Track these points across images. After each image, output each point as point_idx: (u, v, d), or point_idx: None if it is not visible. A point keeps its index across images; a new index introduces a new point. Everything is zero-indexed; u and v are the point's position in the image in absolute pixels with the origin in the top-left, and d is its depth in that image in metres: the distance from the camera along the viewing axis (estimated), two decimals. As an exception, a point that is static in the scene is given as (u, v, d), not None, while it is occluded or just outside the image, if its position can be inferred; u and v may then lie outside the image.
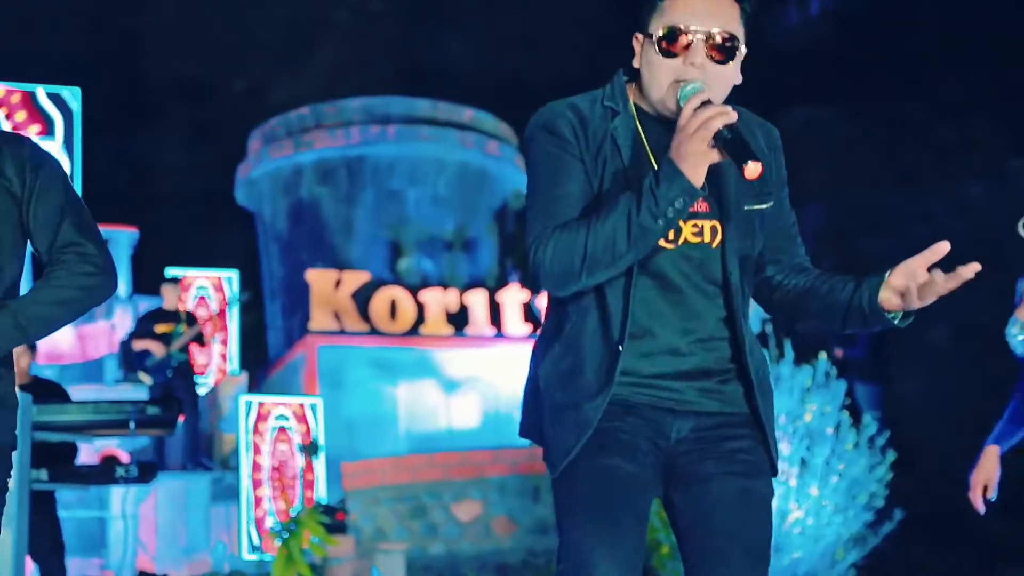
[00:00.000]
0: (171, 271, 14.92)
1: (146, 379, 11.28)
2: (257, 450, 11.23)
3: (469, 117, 16.74)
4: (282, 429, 11.48)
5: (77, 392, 11.07)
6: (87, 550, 10.87)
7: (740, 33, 2.52)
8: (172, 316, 11.35)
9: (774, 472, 2.62)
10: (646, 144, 2.55)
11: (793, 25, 22.32)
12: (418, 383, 13.88)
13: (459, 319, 14.32)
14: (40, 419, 5.93)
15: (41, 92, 15.74)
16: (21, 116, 15.64)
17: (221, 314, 14.52)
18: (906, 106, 19.98)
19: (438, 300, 14.29)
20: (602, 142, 2.54)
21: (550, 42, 22.34)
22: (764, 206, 2.60)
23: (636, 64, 2.59)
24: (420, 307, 14.19)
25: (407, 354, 13.94)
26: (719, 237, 2.55)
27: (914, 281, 2.70)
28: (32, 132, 15.55)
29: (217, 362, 14.98)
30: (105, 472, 6.66)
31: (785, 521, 8.55)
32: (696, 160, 2.37)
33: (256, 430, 11.33)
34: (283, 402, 11.71)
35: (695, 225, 2.53)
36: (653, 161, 2.51)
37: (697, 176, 2.38)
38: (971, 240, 19.93)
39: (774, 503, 8.46)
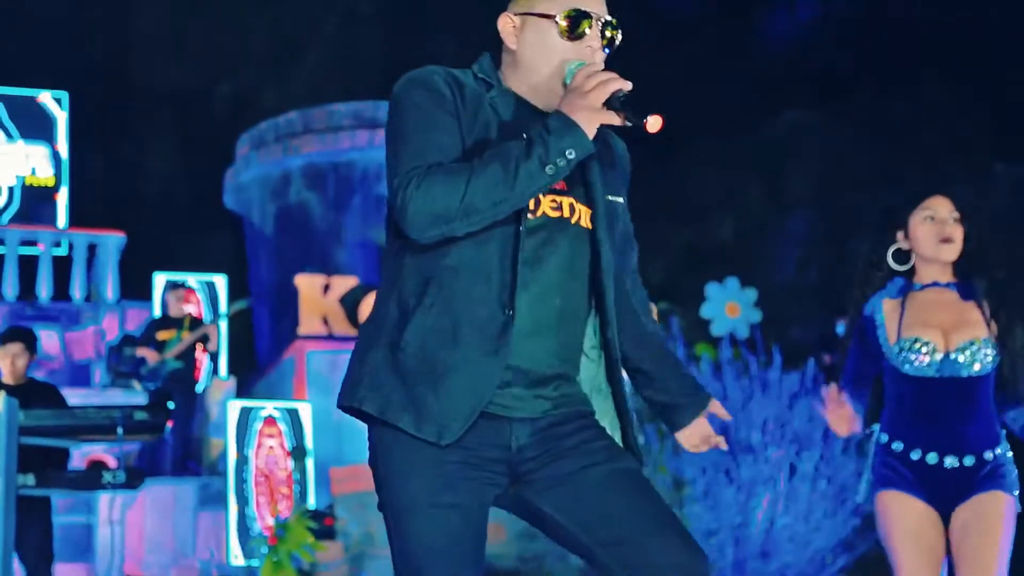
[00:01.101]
0: (159, 275, 14.89)
1: (138, 387, 11.26)
2: (244, 455, 11.22)
3: (457, 121, 16.75)
4: (270, 434, 11.47)
5: (64, 396, 11.06)
6: (74, 556, 10.84)
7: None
8: (175, 322, 11.33)
9: (639, 461, 2.55)
10: (523, 118, 2.49)
11: (781, 30, 22.37)
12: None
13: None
14: (27, 423, 5.91)
15: (33, 96, 15.73)
16: (10, 120, 15.61)
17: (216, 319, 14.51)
18: (893, 110, 20.03)
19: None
20: (478, 108, 2.50)
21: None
22: (618, 199, 2.59)
23: (512, 45, 2.55)
24: (409, 312, 14.18)
25: (395, 359, 13.93)
26: (578, 216, 2.49)
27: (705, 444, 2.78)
28: (22, 136, 15.53)
29: (208, 365, 14.98)
30: (92, 477, 6.65)
31: (774, 526, 8.57)
32: (590, 115, 2.33)
33: (243, 435, 11.32)
34: (271, 406, 11.70)
35: (554, 200, 2.48)
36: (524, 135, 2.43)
37: (589, 132, 2.33)
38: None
39: (764, 507, 8.48)
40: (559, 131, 2.31)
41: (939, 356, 3.86)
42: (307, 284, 14.24)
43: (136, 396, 11.38)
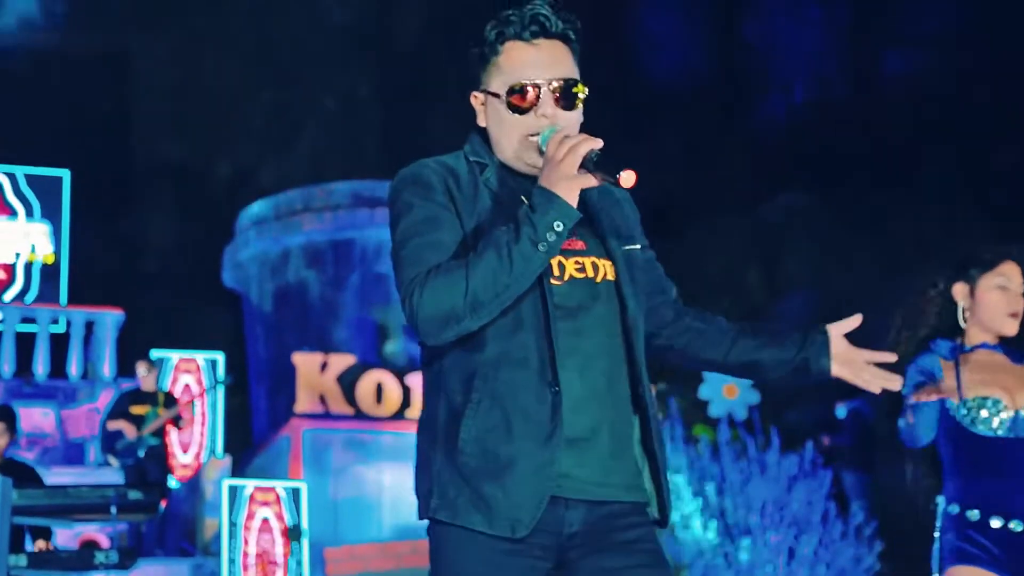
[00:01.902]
0: (156, 353, 14.87)
1: (114, 461, 11.08)
2: (239, 535, 11.13)
3: (456, 202, 16.83)
4: (265, 514, 11.38)
5: (58, 475, 10.98)
6: (64, 636, 10.69)
7: (577, 74, 2.52)
8: (149, 398, 11.19)
9: (666, 524, 2.56)
10: (519, 192, 2.48)
11: (779, 116, 22.56)
12: (403, 468, 13.79)
13: (445, 403, 14.26)
14: (20, 503, 5.86)
15: (33, 175, 15.81)
16: (11, 197, 15.68)
17: (201, 396, 14.44)
18: (889, 194, 20.14)
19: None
20: (475, 194, 2.50)
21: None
22: (634, 247, 2.58)
23: (482, 122, 2.59)
24: (406, 391, 14.15)
25: (393, 438, 13.87)
26: (603, 272, 2.49)
27: (854, 357, 2.78)
28: (22, 213, 15.59)
29: (198, 441, 14.90)
30: (85, 557, 6.57)
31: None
32: (568, 184, 2.33)
33: (238, 514, 11.23)
34: (267, 486, 11.62)
35: (577, 262, 2.48)
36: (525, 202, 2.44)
37: (571, 199, 2.33)
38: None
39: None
40: (542, 207, 2.32)
41: (1010, 415, 3.65)
42: (304, 362, 14.22)
43: (115, 473, 11.23)
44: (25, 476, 7.06)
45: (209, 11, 23.13)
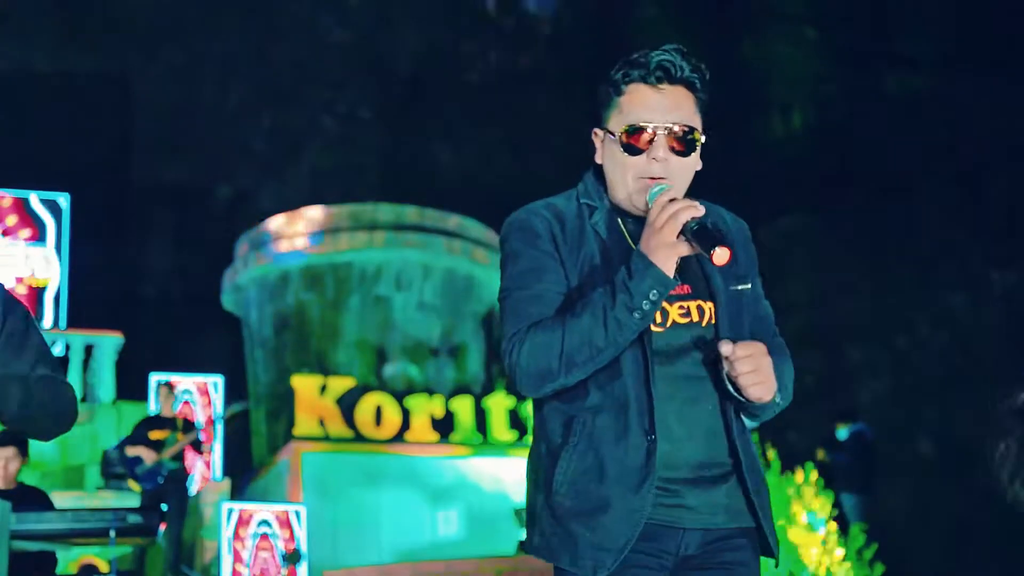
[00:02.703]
0: (155, 376, 14.87)
1: (135, 486, 11.14)
2: (239, 558, 11.11)
3: (455, 224, 16.85)
4: (264, 537, 11.37)
5: (58, 499, 10.96)
6: (63, 661, 10.67)
7: (698, 122, 2.59)
8: (168, 423, 11.23)
9: (775, 560, 2.63)
10: (627, 237, 2.56)
11: (776, 138, 22.61)
12: (403, 490, 13.78)
13: (444, 426, 14.27)
14: (19, 527, 5.86)
15: (34, 198, 15.84)
16: (12, 220, 15.71)
17: (208, 424, 14.44)
18: (888, 217, 20.17)
19: (423, 406, 14.25)
20: (582, 238, 2.55)
21: (536, 150, 22.58)
22: (745, 287, 2.62)
23: (599, 160, 2.61)
24: (405, 413, 14.14)
25: (392, 461, 13.86)
26: (707, 316, 2.54)
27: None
28: (23, 236, 15.62)
29: (201, 469, 14.88)
30: (85, 582, 6.57)
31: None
32: (666, 252, 2.39)
33: (238, 537, 11.21)
34: (266, 509, 11.60)
35: (681, 307, 2.53)
36: (629, 242, 2.53)
37: (668, 267, 2.40)
38: (952, 351, 20.07)
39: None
40: (639, 274, 2.39)
41: None
42: (304, 385, 14.22)
43: (129, 497, 11.27)
44: (37, 500, 7.06)
45: (209, 34, 23.20)
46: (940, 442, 18.11)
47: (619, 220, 2.58)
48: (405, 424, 14.08)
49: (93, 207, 18.13)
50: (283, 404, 15.27)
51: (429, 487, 13.88)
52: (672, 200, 2.43)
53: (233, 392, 15.59)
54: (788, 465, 9.36)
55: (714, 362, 2.52)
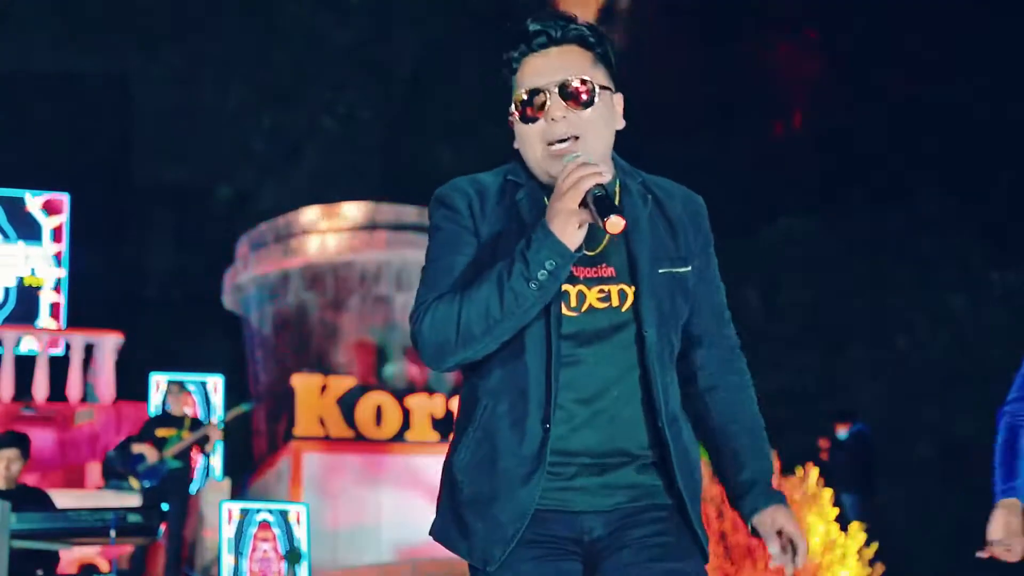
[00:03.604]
0: (156, 376, 14.87)
1: (135, 483, 11.13)
2: (239, 558, 11.10)
3: (456, 224, 16.85)
4: (265, 536, 11.36)
5: (58, 498, 10.96)
6: (64, 660, 10.67)
7: (599, 75, 2.46)
8: (175, 421, 11.22)
9: (705, 557, 2.51)
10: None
11: (777, 139, 22.62)
12: (403, 490, 13.78)
13: (445, 425, 14.27)
14: (18, 527, 5.86)
15: (34, 198, 15.84)
16: (12, 220, 15.71)
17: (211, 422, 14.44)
18: (888, 219, 20.18)
19: (424, 406, 14.25)
20: (503, 215, 2.48)
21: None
22: (680, 270, 2.51)
23: (515, 144, 2.53)
24: (406, 413, 14.15)
25: (392, 461, 13.87)
26: (628, 301, 2.45)
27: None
28: (23, 237, 15.62)
29: (203, 464, 14.90)
30: (85, 581, 6.58)
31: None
32: (565, 219, 2.29)
33: (238, 537, 11.21)
34: (267, 509, 11.60)
35: (601, 291, 2.44)
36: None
37: (568, 236, 2.30)
38: (952, 352, 20.06)
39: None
40: (537, 243, 2.30)
41: None
42: (304, 385, 14.22)
43: (129, 496, 11.25)
44: (38, 500, 7.08)
45: (209, 34, 23.20)
46: (940, 442, 18.11)
47: (544, 198, 2.46)
48: (405, 424, 14.09)
49: (93, 207, 18.13)
50: (283, 404, 15.27)
51: (429, 487, 13.88)
52: (581, 166, 2.33)
53: (233, 392, 15.58)
54: (789, 467, 9.36)
55: (636, 350, 2.43)
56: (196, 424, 11.33)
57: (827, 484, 9.40)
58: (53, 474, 13.63)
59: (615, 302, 2.44)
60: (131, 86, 23.06)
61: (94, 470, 13.77)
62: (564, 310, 2.41)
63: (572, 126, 2.42)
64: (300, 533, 11.55)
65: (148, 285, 22.42)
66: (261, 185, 22.94)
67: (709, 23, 23.12)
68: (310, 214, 16.74)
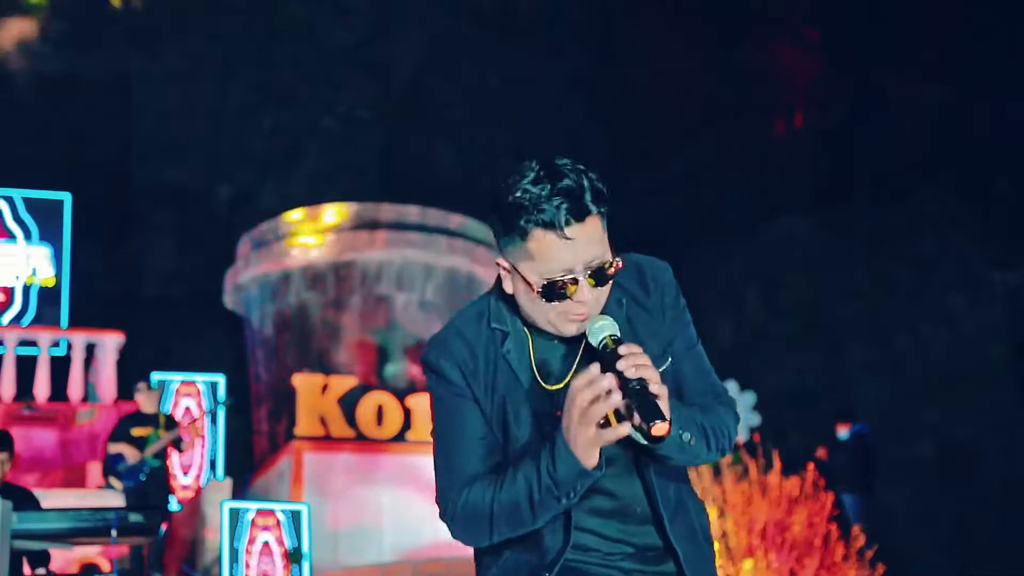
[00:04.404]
0: (157, 376, 14.87)
1: (116, 484, 11.11)
2: (240, 558, 11.11)
3: (457, 223, 16.86)
4: (266, 537, 11.37)
5: (59, 498, 10.96)
6: (65, 660, 10.67)
7: (607, 243, 2.43)
8: (150, 420, 11.19)
9: None
10: (532, 359, 2.51)
11: (778, 139, 22.62)
12: (404, 490, 13.78)
13: (445, 426, 14.24)
14: (19, 527, 5.85)
15: (36, 197, 15.85)
16: (13, 220, 15.71)
17: (201, 418, 14.44)
18: (888, 219, 20.17)
19: (425, 405, 14.24)
20: (494, 371, 2.51)
21: (537, 150, 22.59)
22: (665, 365, 2.54)
23: (508, 290, 2.50)
24: (407, 413, 14.15)
25: (393, 460, 13.87)
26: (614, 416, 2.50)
27: None
28: (24, 236, 15.62)
29: (198, 463, 14.89)
30: (86, 581, 6.57)
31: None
32: (587, 445, 2.33)
33: (239, 537, 11.21)
34: (268, 509, 11.60)
35: None
36: (541, 383, 2.49)
37: (589, 458, 2.35)
38: (953, 352, 20.05)
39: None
40: (563, 466, 2.37)
41: None
42: (305, 384, 14.22)
43: (113, 496, 11.21)
44: (23, 500, 7.06)
45: (210, 34, 23.21)
46: (941, 442, 18.11)
47: (529, 343, 2.52)
48: (407, 424, 14.09)
49: (94, 207, 18.15)
50: (284, 403, 15.28)
51: (431, 486, 13.86)
52: (589, 385, 2.31)
53: (234, 392, 15.59)
54: (790, 466, 9.37)
55: (631, 453, 2.53)
56: (171, 423, 11.33)
57: (827, 484, 9.40)
58: (54, 474, 13.64)
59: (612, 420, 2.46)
60: (132, 86, 23.07)
61: (95, 470, 13.78)
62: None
63: (592, 307, 2.44)
64: (301, 533, 11.55)
65: (149, 285, 22.42)
66: (262, 185, 22.94)
67: (710, 23, 23.11)
68: (311, 214, 16.75)
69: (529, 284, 2.41)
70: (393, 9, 23.85)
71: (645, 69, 23.37)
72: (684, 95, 22.62)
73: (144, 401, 11.31)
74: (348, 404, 14.08)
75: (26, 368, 14.72)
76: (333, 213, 16.65)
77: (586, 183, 2.37)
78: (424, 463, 13.79)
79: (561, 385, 2.48)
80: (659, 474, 2.56)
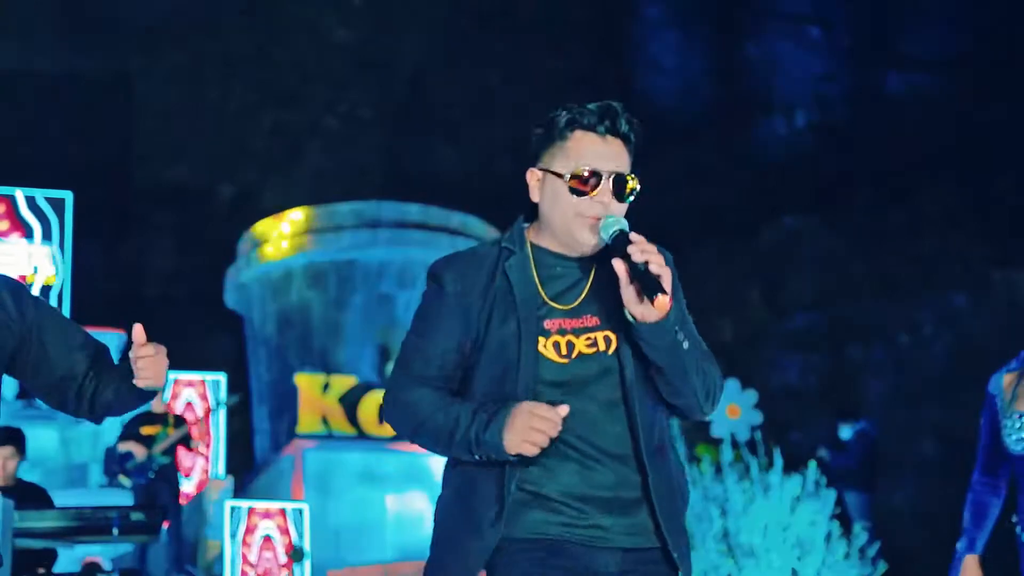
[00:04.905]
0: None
1: (126, 481, 11.14)
2: (242, 556, 11.11)
3: (459, 222, 16.86)
4: (267, 535, 11.37)
5: (60, 497, 10.96)
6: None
7: (629, 169, 2.71)
8: (159, 418, 11.24)
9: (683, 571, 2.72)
10: (536, 279, 2.69)
11: (780, 137, 22.61)
12: (406, 489, 13.78)
13: (447, 425, 14.24)
14: (21, 525, 5.85)
15: (37, 196, 15.84)
16: (14, 219, 15.71)
17: (207, 417, 14.44)
18: (890, 217, 20.16)
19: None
20: (489, 281, 2.69)
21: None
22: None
23: (535, 198, 2.76)
24: (408, 412, 14.12)
25: (395, 459, 13.86)
26: (613, 345, 2.67)
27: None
28: (25, 235, 15.62)
29: (201, 464, 14.87)
30: (86, 581, 6.57)
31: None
32: (513, 448, 2.56)
33: (241, 535, 11.21)
34: (269, 507, 11.60)
35: (588, 338, 2.67)
36: (542, 293, 2.67)
37: (511, 449, 2.56)
38: (955, 351, 20.05)
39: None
40: (489, 440, 2.58)
41: None
42: (306, 383, 14.22)
43: (121, 494, 11.22)
44: (35, 497, 7.06)
45: (211, 33, 23.20)
46: (943, 441, 18.09)
47: (532, 262, 2.71)
48: (408, 422, 14.06)
49: (95, 205, 18.13)
50: (286, 402, 15.27)
51: (432, 485, 13.87)
52: (549, 418, 2.55)
53: (236, 390, 15.59)
54: (792, 465, 9.35)
55: (620, 392, 2.66)
56: (179, 421, 11.35)
57: (830, 483, 9.39)
58: (55, 473, 13.63)
59: (602, 347, 2.67)
60: (133, 85, 23.07)
61: (96, 469, 13.78)
62: (556, 357, 2.64)
63: (609, 211, 2.66)
64: (302, 531, 11.55)
65: (150, 284, 22.42)
66: (263, 184, 22.93)
67: (712, 23, 23.10)
68: (312, 212, 16.75)
69: (559, 177, 2.67)
70: (394, 8, 23.83)
71: (647, 66, 23.37)
72: (685, 92, 22.62)
73: (155, 400, 11.34)
74: (350, 403, 14.08)
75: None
76: (334, 212, 16.64)
77: (624, 111, 2.72)
78: (426, 462, 13.80)
79: (571, 307, 2.67)
80: (644, 414, 2.66)
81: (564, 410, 2.56)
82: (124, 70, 22.83)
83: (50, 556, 7.14)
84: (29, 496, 7.01)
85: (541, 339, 2.64)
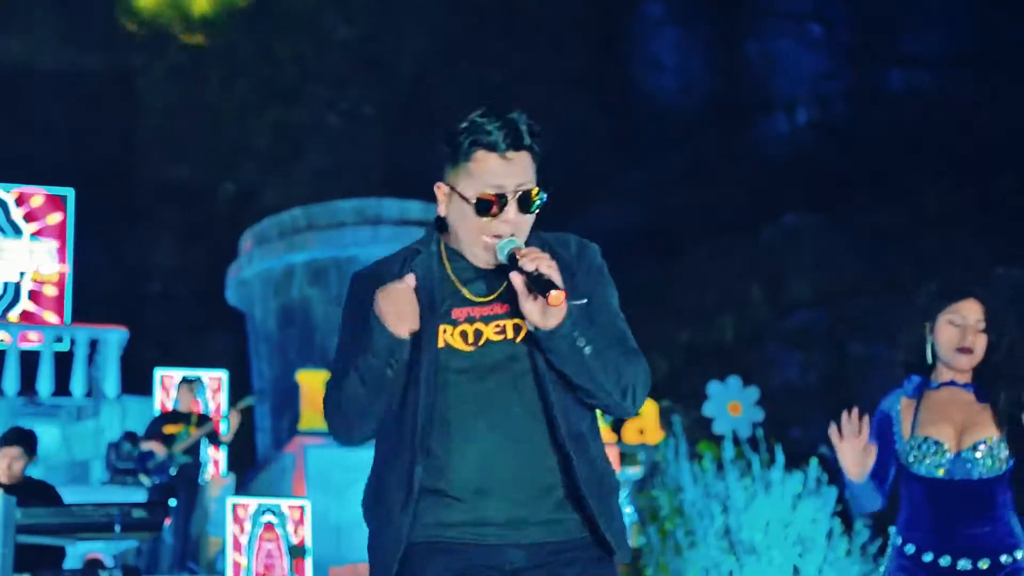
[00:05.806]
0: (160, 371, 14.87)
1: (145, 480, 11.15)
2: (243, 553, 11.12)
3: (459, 220, 16.86)
4: (269, 532, 11.37)
5: (62, 494, 10.96)
6: (68, 656, 10.66)
7: (534, 179, 2.69)
8: (183, 417, 11.24)
9: (622, 556, 2.69)
10: (449, 271, 2.71)
11: (781, 135, 22.61)
12: (406, 486, 13.78)
13: (448, 422, 14.25)
14: (24, 522, 5.85)
15: (40, 193, 15.86)
16: (18, 216, 15.72)
17: (216, 414, 14.45)
18: (889, 214, 20.17)
19: (427, 403, 14.23)
20: (400, 276, 2.70)
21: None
22: (577, 302, 2.67)
23: (442, 212, 2.74)
24: (409, 409, 14.14)
25: (395, 457, 13.85)
26: (523, 332, 2.65)
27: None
28: (28, 232, 15.64)
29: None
30: (88, 577, 6.57)
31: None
32: (394, 326, 2.59)
33: (243, 532, 11.22)
34: (270, 504, 11.60)
35: (497, 325, 2.67)
36: (454, 281, 2.69)
37: (399, 330, 2.58)
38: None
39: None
40: (378, 339, 2.61)
41: (949, 456, 3.78)
42: (308, 380, 14.22)
43: (136, 492, 11.26)
44: (44, 495, 7.05)
45: (213, 32, 23.21)
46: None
47: (444, 260, 2.74)
48: (409, 419, 14.08)
49: (98, 203, 18.15)
50: (288, 399, 15.28)
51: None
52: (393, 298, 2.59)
53: (237, 387, 15.59)
54: (793, 462, 9.36)
55: (530, 374, 2.64)
56: (203, 420, 11.34)
57: (831, 480, 9.40)
58: (57, 470, 13.64)
59: (510, 335, 2.66)
60: (135, 83, 23.07)
61: (98, 465, 13.79)
62: (462, 346, 2.65)
63: (515, 227, 2.66)
64: (304, 528, 11.55)
65: (152, 280, 22.45)
66: (265, 181, 22.96)
67: (713, 21, 23.10)
68: (313, 209, 16.75)
69: (464, 199, 2.65)
70: (395, 8, 23.85)
71: (648, 65, 23.37)
72: (687, 91, 22.62)
73: (182, 397, 11.41)
74: (351, 400, 14.06)
75: (29, 363, 14.73)
76: (336, 209, 16.64)
77: (524, 122, 2.67)
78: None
79: (484, 298, 2.68)
80: (560, 400, 2.64)
81: (410, 279, 2.60)
82: (126, 68, 22.85)
83: (57, 554, 7.13)
84: (37, 493, 7.01)
85: (448, 327, 2.65)
